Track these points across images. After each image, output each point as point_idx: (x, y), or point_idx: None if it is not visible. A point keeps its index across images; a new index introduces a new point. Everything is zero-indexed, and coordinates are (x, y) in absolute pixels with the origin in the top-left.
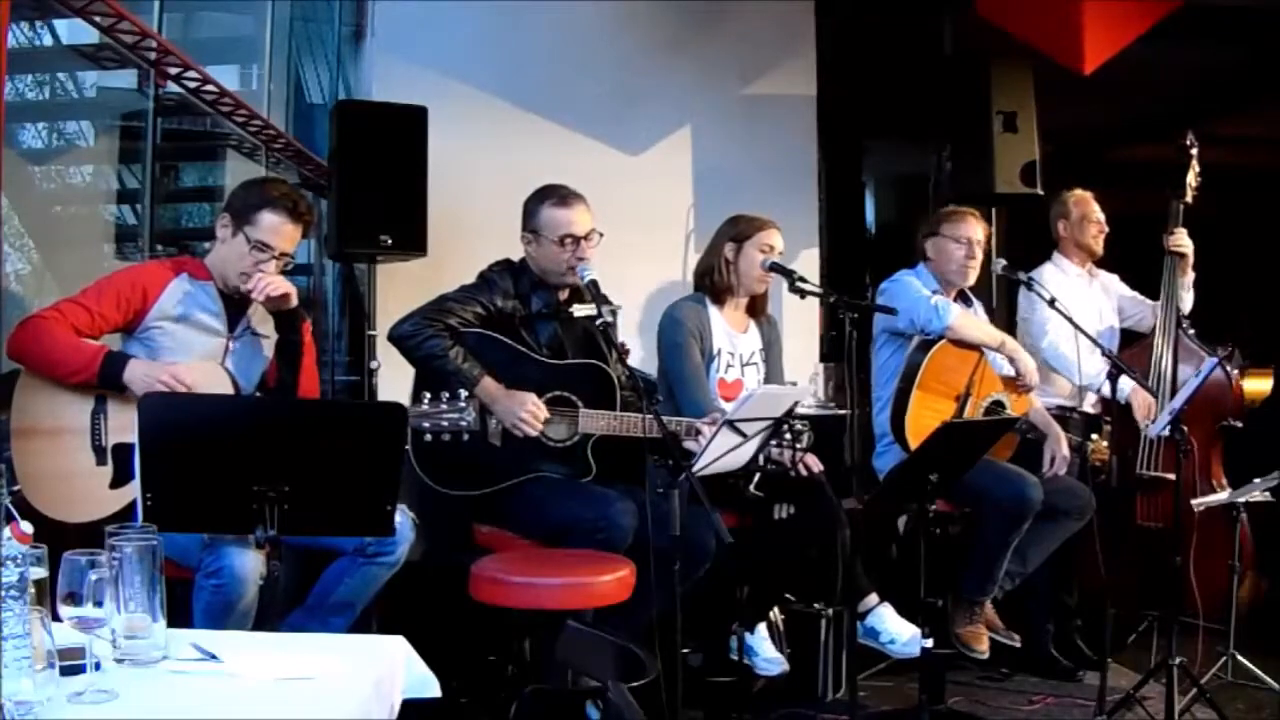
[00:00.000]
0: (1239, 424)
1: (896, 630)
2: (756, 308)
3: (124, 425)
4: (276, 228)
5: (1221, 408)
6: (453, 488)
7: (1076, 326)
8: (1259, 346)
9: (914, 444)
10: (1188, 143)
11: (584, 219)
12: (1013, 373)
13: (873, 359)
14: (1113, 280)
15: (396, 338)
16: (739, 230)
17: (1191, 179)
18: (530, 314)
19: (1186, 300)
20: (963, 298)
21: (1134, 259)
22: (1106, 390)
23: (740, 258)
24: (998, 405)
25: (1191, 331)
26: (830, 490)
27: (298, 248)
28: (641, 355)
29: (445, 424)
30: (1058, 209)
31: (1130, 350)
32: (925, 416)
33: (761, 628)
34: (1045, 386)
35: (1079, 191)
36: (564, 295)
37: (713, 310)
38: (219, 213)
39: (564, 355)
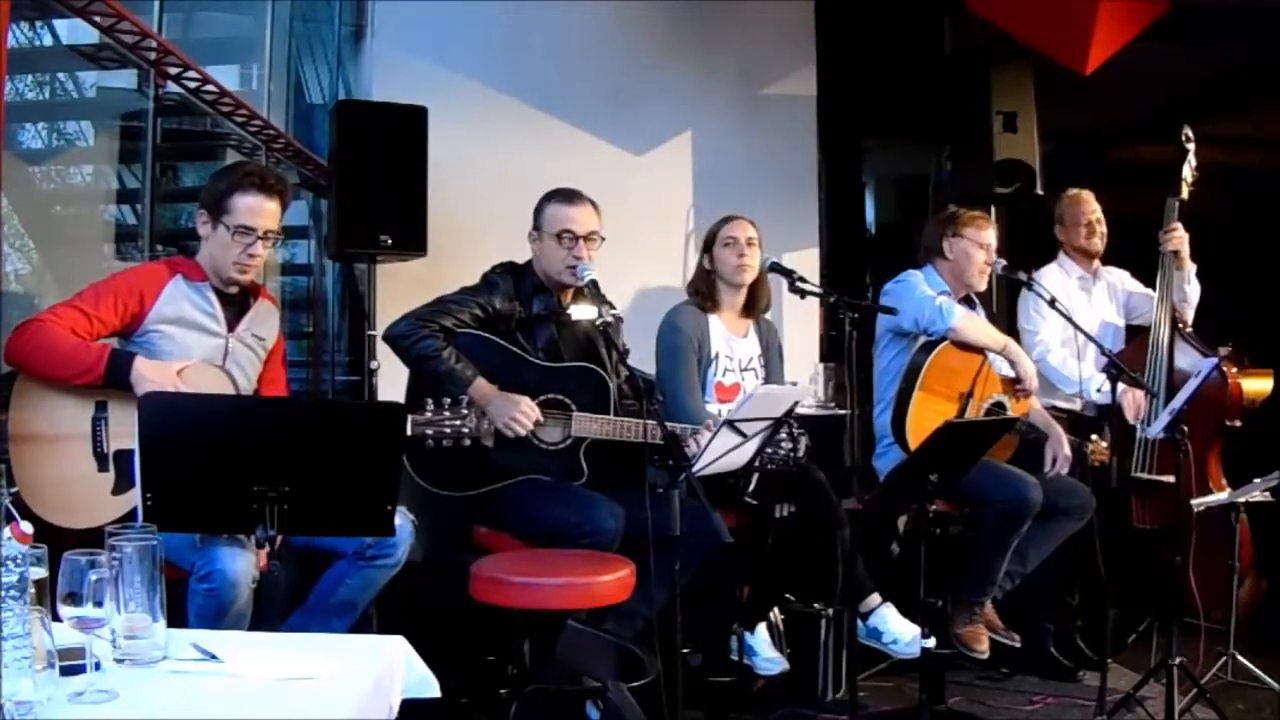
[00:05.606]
0: (1237, 424)
1: (899, 630)
2: (754, 306)
3: (125, 431)
4: (252, 207)
5: (1220, 409)
6: (444, 488)
7: (1076, 326)
8: (1259, 346)
9: (914, 445)
10: (1184, 138)
11: (586, 219)
12: (1013, 375)
13: (876, 360)
14: (1122, 277)
15: (390, 337)
16: (706, 237)
17: (1188, 175)
18: (529, 316)
19: (1192, 293)
20: (965, 300)
21: (1135, 259)
22: (1096, 395)
23: (714, 261)
24: (999, 406)
25: (1190, 330)
26: (830, 489)
27: (282, 222)
28: (639, 356)
29: (448, 430)
30: (1056, 211)
31: (1125, 350)
32: (927, 418)
33: (761, 628)
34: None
35: (1073, 192)
36: (566, 299)
37: (711, 316)
38: (196, 211)
39: (559, 359)
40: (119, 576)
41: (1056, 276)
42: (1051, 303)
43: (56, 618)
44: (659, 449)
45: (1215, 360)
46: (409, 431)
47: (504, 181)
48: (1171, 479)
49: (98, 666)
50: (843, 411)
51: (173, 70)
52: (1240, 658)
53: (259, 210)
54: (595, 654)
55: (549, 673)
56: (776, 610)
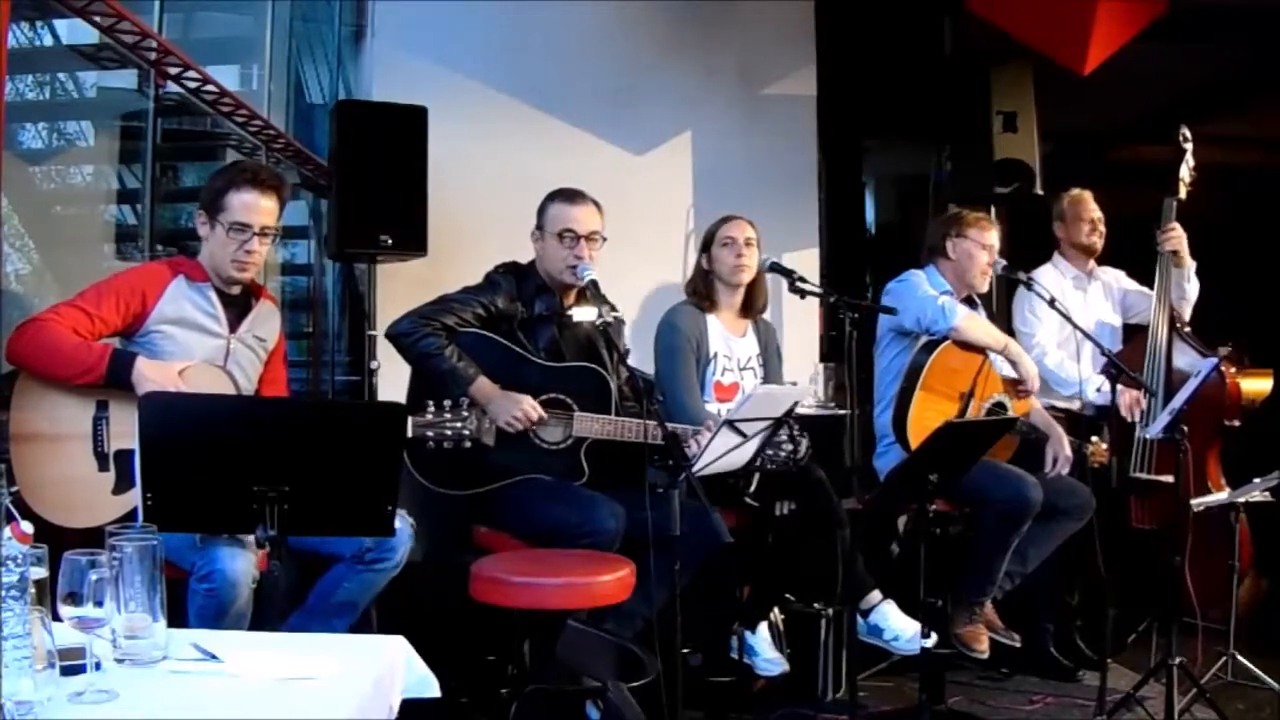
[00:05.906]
0: (1237, 424)
1: (900, 627)
2: (752, 306)
3: (126, 431)
4: (247, 204)
5: (1219, 409)
6: (445, 486)
7: (1076, 326)
8: (1259, 346)
9: (915, 444)
10: (1181, 138)
11: (588, 218)
12: (1014, 375)
13: (877, 359)
14: (1117, 276)
15: (393, 335)
16: (704, 236)
17: (1186, 175)
18: (531, 317)
19: (1191, 291)
20: (967, 300)
21: (1134, 258)
22: (1094, 396)
23: (712, 261)
24: (999, 406)
25: (1188, 329)
26: (830, 488)
27: (280, 218)
28: (639, 356)
29: (449, 432)
30: (1055, 210)
31: (1123, 349)
32: (928, 417)
33: (762, 627)
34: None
35: (1074, 191)
36: (568, 300)
37: (709, 316)
38: (195, 212)
39: (561, 360)
40: (119, 576)
41: (1052, 277)
42: (1051, 302)
43: (57, 618)
44: (659, 449)
45: (1215, 360)
46: (410, 433)
47: (504, 181)
48: (1171, 479)
49: (98, 666)
50: (843, 411)
51: (173, 70)
52: (1240, 658)
53: (254, 206)
54: (595, 654)
55: (549, 673)
56: (777, 610)
